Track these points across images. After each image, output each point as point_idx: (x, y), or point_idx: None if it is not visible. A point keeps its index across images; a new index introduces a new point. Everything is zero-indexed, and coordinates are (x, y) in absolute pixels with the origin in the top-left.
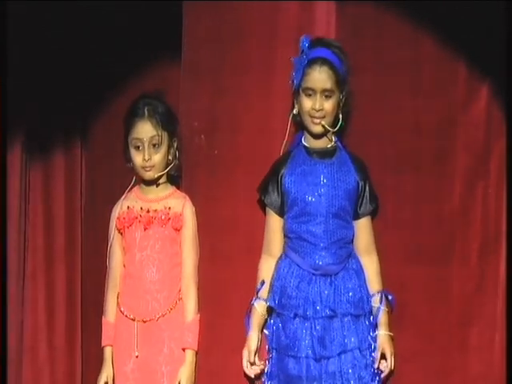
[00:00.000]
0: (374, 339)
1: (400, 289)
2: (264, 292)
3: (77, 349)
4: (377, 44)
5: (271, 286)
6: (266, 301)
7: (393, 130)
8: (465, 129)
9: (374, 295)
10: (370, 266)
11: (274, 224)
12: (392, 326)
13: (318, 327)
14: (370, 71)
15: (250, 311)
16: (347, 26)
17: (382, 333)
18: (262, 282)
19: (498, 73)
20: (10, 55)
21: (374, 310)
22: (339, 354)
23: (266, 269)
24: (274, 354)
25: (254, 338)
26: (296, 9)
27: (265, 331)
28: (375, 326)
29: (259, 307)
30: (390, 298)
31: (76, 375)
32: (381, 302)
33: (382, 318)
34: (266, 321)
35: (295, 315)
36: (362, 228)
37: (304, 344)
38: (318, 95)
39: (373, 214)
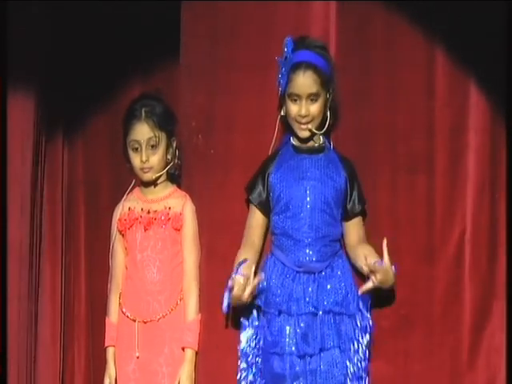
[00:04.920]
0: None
1: (412, 289)
2: (245, 268)
3: (82, 349)
4: (389, 43)
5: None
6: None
7: (406, 130)
8: (475, 132)
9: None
10: (366, 247)
11: (257, 221)
12: (403, 325)
13: (301, 324)
14: (382, 70)
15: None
16: (351, 25)
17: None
18: (245, 260)
19: (502, 77)
20: (10, 55)
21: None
22: (319, 352)
23: (245, 253)
24: (260, 353)
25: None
26: (293, 8)
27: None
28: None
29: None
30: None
31: (83, 376)
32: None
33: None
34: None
35: (280, 312)
36: (352, 226)
37: (288, 341)
38: (304, 100)
39: (363, 215)
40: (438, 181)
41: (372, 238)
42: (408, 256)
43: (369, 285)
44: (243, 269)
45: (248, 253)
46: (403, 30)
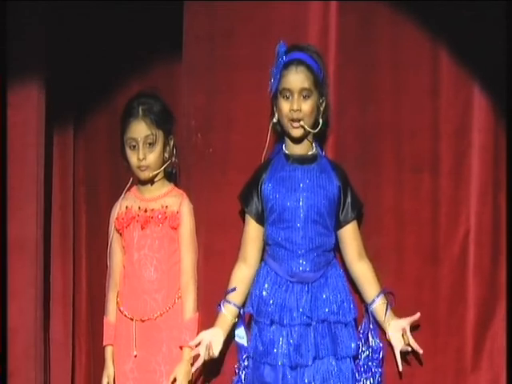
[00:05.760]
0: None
1: (417, 288)
2: (234, 296)
3: (82, 348)
4: (392, 43)
5: (250, 292)
6: (235, 305)
7: (410, 129)
8: (479, 132)
9: (377, 297)
10: (367, 270)
11: (253, 232)
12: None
13: (294, 335)
14: (386, 70)
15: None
16: (354, 24)
17: (396, 322)
18: (234, 288)
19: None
20: (10, 55)
21: (380, 310)
22: (313, 362)
23: (239, 276)
24: (250, 362)
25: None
26: (292, 8)
27: (236, 339)
28: (376, 329)
29: (226, 310)
30: (389, 292)
31: (83, 375)
32: (388, 302)
33: (390, 312)
34: (233, 326)
35: (272, 322)
36: (349, 235)
37: (280, 352)
38: (296, 95)
39: (358, 221)
40: (443, 180)
41: (376, 237)
42: (412, 256)
43: (399, 357)
44: (230, 297)
45: (242, 272)
46: (407, 29)
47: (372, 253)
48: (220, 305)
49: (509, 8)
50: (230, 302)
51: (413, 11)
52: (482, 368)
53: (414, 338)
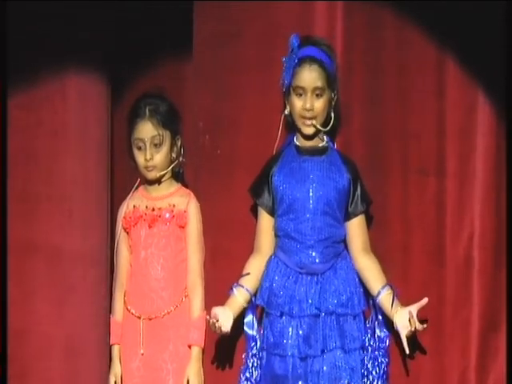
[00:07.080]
0: (376, 339)
1: (422, 290)
2: (246, 281)
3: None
4: (398, 45)
5: (260, 285)
6: (248, 290)
7: (416, 131)
8: (483, 135)
9: (382, 289)
10: (373, 263)
11: (265, 224)
12: None
13: (303, 326)
14: (392, 72)
15: None
16: (359, 25)
17: (403, 310)
18: (248, 273)
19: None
20: (10, 58)
21: (387, 300)
22: (322, 353)
23: (254, 264)
24: (263, 354)
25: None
26: (299, 9)
27: (245, 329)
28: (380, 323)
29: (237, 292)
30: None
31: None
32: (394, 292)
33: (396, 302)
34: (242, 311)
35: (282, 314)
36: (356, 228)
37: (290, 343)
38: (309, 94)
39: (366, 214)
40: (449, 183)
41: (382, 239)
42: (418, 257)
43: (406, 342)
44: (243, 281)
45: (256, 261)
46: (412, 32)
47: (378, 254)
48: (232, 288)
49: (509, 9)
50: (242, 286)
51: (419, 14)
52: (487, 369)
53: (418, 338)
